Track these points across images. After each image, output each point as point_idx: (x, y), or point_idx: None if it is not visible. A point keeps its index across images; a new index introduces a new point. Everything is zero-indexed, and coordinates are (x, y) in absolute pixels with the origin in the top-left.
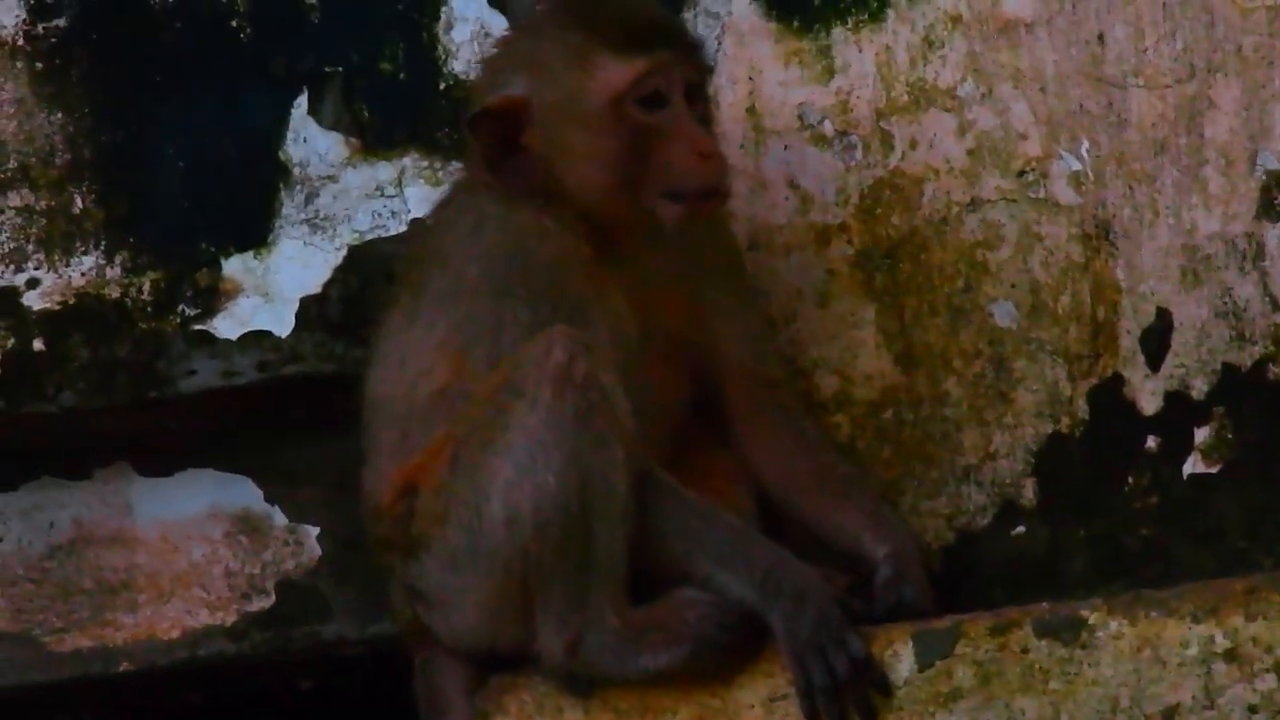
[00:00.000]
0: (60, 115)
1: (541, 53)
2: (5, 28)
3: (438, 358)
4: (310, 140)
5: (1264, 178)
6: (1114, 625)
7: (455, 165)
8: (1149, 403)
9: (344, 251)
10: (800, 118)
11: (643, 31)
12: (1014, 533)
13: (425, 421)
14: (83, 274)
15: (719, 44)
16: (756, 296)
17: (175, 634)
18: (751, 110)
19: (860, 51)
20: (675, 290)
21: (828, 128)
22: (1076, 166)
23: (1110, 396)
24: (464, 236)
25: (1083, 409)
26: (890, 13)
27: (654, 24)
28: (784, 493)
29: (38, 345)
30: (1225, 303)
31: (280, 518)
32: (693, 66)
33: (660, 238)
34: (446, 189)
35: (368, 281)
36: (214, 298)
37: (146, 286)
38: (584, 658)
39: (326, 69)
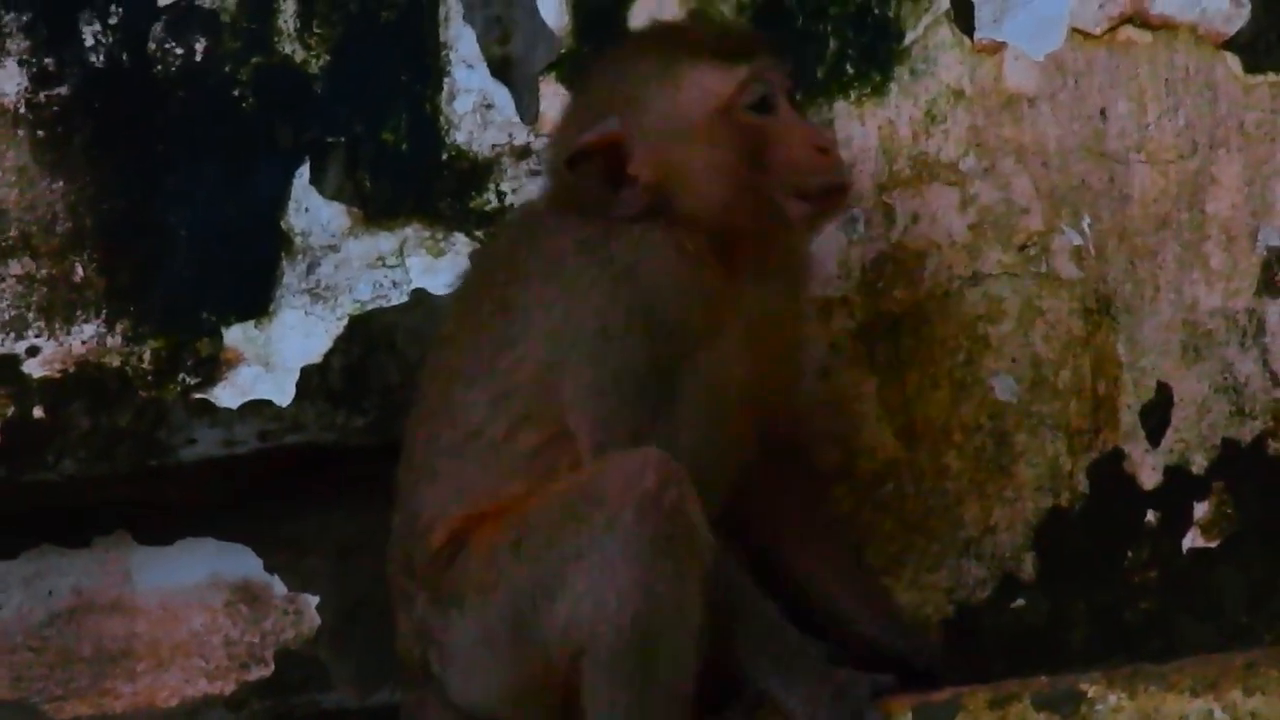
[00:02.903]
0: (62, 183)
1: (629, 83)
2: (7, 95)
3: (543, 403)
4: (312, 210)
5: (1265, 254)
6: (1113, 699)
7: (457, 236)
8: (1149, 477)
9: (345, 321)
10: None
11: (738, 39)
12: (1014, 606)
13: (510, 473)
14: (83, 342)
15: None
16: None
17: (174, 703)
18: None
19: (863, 125)
20: (781, 327)
21: None
22: (1078, 241)
23: (1110, 471)
24: (581, 242)
25: (1083, 483)
26: (893, 86)
27: (746, 32)
28: (799, 567)
29: (38, 413)
30: (1226, 378)
31: (280, 587)
32: (788, 73)
33: (790, 250)
34: (519, 209)
35: (369, 351)
36: (215, 367)
37: (147, 355)
38: None
39: (329, 139)
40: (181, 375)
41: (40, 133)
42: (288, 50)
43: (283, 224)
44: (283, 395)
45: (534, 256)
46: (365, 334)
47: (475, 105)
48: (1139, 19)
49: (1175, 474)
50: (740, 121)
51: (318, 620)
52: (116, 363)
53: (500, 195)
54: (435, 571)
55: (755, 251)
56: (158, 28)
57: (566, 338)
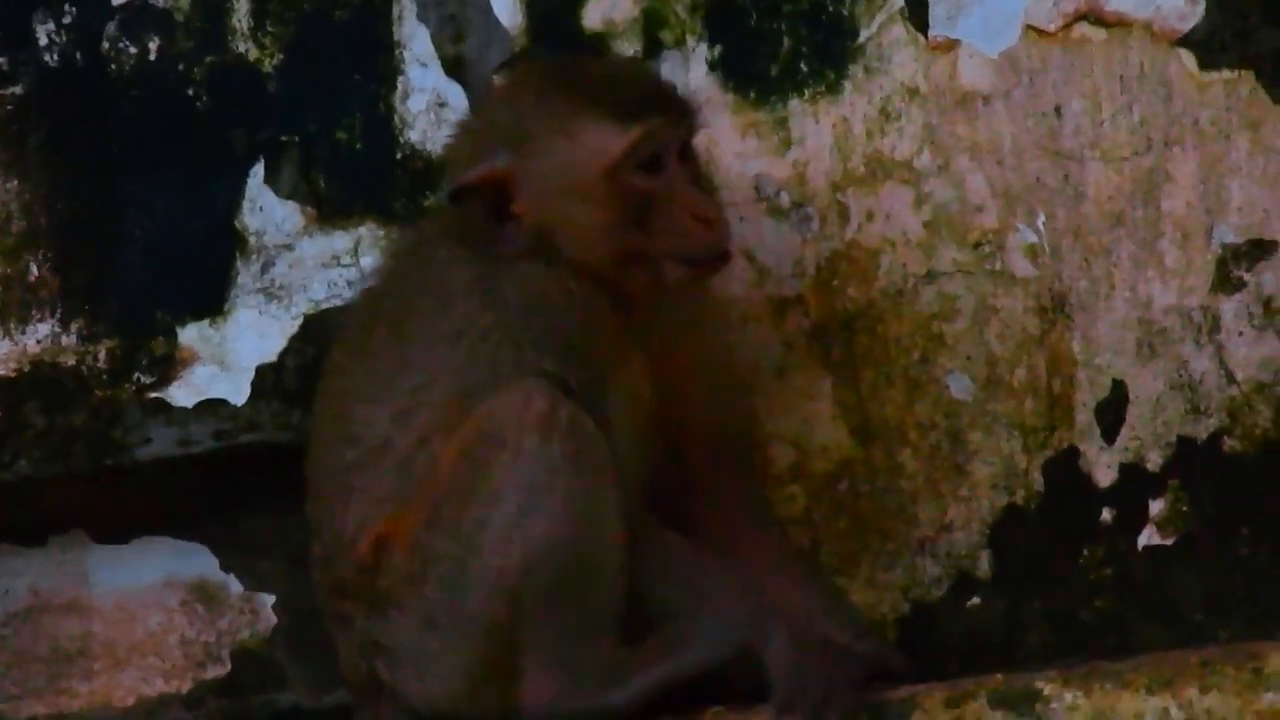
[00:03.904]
0: (16, 183)
1: (525, 122)
2: None
3: (451, 416)
4: (267, 209)
5: (1220, 251)
6: (1069, 697)
7: None
8: (1104, 475)
9: (300, 320)
10: (757, 189)
11: (638, 97)
12: (969, 604)
13: (426, 476)
14: (38, 341)
15: None
16: (732, 360)
17: (131, 702)
18: None
19: (817, 123)
20: (684, 348)
21: (784, 199)
22: (1033, 239)
23: (1065, 469)
24: (471, 281)
25: (1038, 481)
26: (847, 84)
27: (646, 88)
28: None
29: None
30: (1181, 375)
31: (236, 586)
32: (686, 128)
33: (663, 300)
34: (410, 233)
35: (324, 350)
36: (170, 366)
37: (103, 354)
38: (578, 696)
39: (283, 138)
40: (136, 374)
41: None
42: (242, 49)
43: (237, 223)
44: (238, 394)
45: (424, 292)
46: (320, 333)
47: (429, 104)
48: (1093, 16)
49: (1131, 472)
50: (626, 183)
51: (274, 620)
52: (71, 362)
53: None
54: (367, 580)
55: (631, 297)
56: (111, 27)
57: (472, 379)
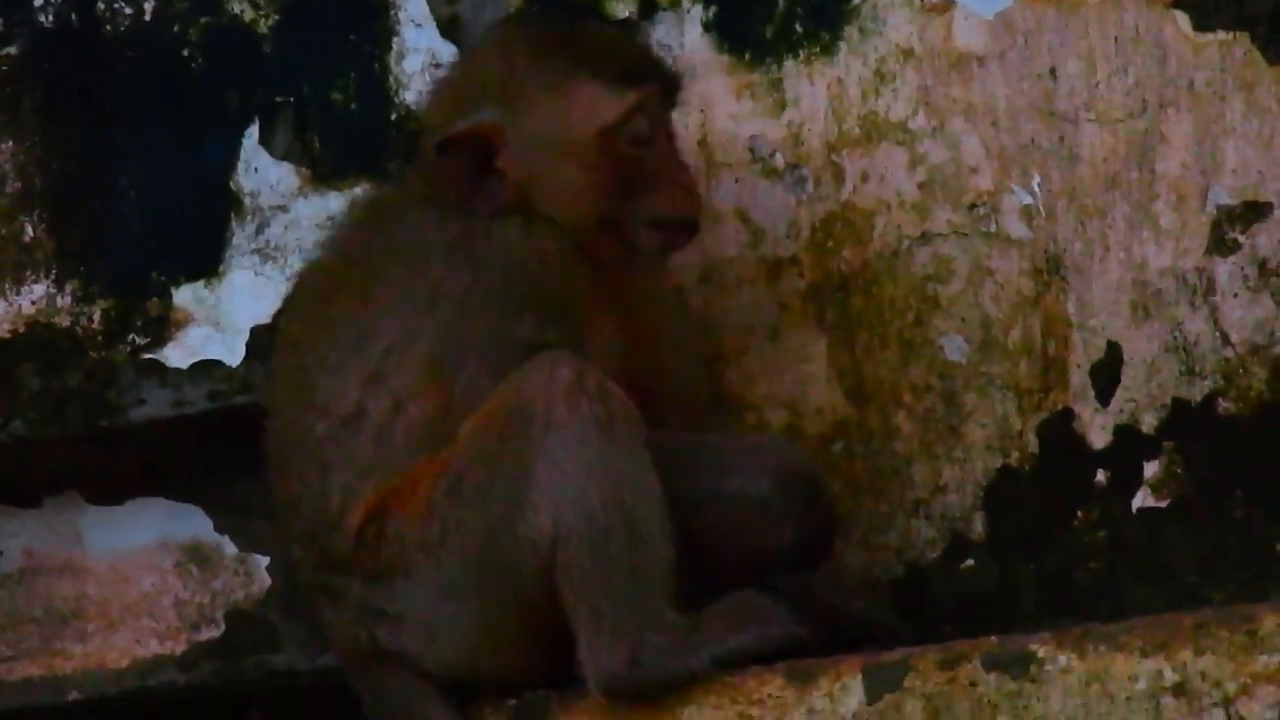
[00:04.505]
0: (11, 143)
1: (518, 79)
2: None
3: (427, 378)
4: (262, 170)
5: (1215, 213)
6: (1063, 659)
7: None
8: (1099, 437)
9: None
10: (751, 151)
11: (634, 64)
12: (963, 566)
13: (411, 445)
14: (33, 302)
15: None
16: (695, 327)
17: (125, 663)
18: (703, 143)
19: (812, 85)
20: (637, 319)
21: (779, 161)
22: (1028, 201)
23: (1060, 431)
24: (445, 243)
25: (1033, 443)
26: (842, 46)
27: (643, 56)
28: None
29: None
30: (1175, 338)
31: (230, 548)
32: (672, 100)
33: (634, 264)
34: (374, 192)
35: None
36: (165, 327)
37: (97, 315)
38: (645, 665)
39: (278, 99)
40: (131, 336)
41: None
42: (236, 10)
43: (232, 184)
44: (232, 355)
45: (392, 257)
46: None
47: (424, 65)
48: None
49: (1125, 434)
50: (617, 148)
51: (268, 581)
52: (66, 323)
53: None
54: (364, 552)
55: (604, 258)
56: None
57: (450, 342)
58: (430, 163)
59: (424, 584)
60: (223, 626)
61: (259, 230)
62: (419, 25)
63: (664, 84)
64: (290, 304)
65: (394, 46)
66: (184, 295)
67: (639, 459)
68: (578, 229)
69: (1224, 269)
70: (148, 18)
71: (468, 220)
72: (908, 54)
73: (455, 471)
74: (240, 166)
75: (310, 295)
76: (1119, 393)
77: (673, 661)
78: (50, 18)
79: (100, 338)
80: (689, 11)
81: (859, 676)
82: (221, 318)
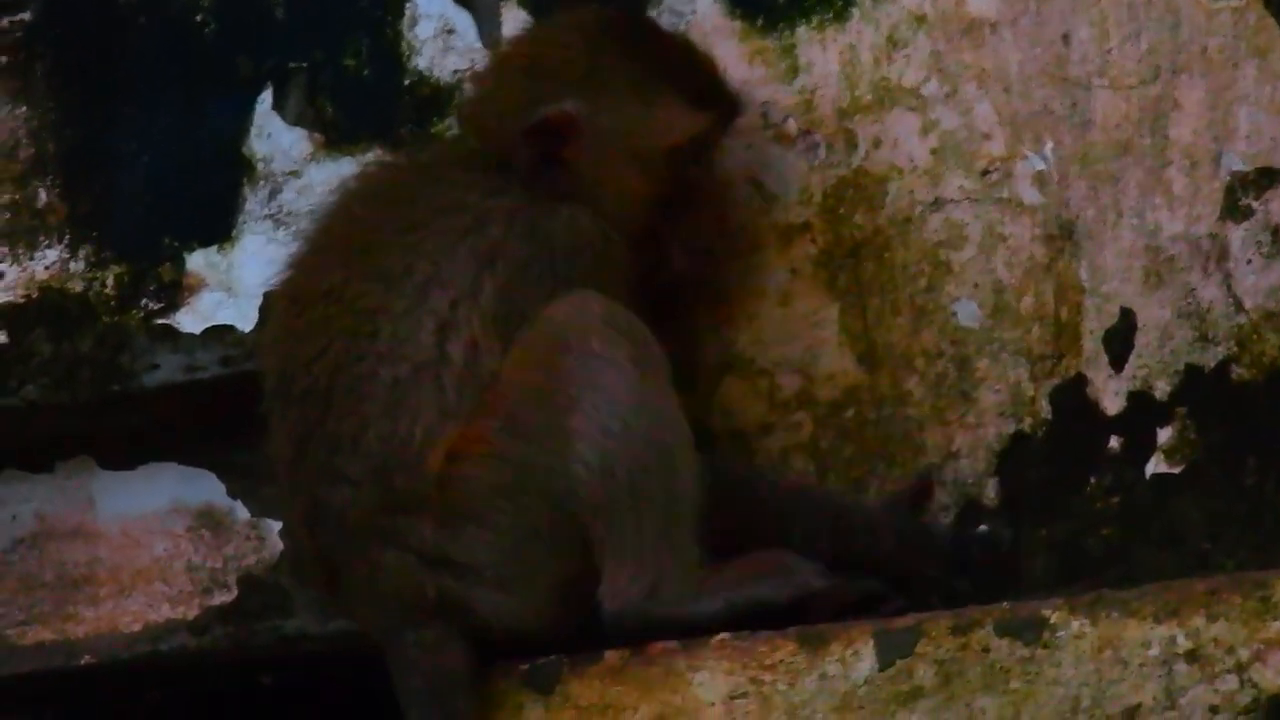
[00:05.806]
0: (25, 109)
1: (602, 74)
2: None
3: (492, 335)
4: (274, 136)
5: (1228, 179)
6: (1075, 625)
7: None
8: (1112, 403)
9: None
10: (764, 116)
11: (710, 86)
12: (976, 532)
13: (483, 390)
14: (46, 268)
15: None
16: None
17: (137, 628)
18: None
19: (824, 50)
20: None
21: (791, 126)
22: (1040, 167)
23: (1073, 397)
24: (506, 209)
25: (1045, 409)
26: (854, 11)
27: (719, 79)
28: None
29: (1, 339)
30: (1189, 304)
31: (243, 512)
32: (728, 126)
33: (659, 278)
34: (405, 160)
35: None
36: (177, 292)
37: (110, 281)
38: (663, 597)
39: (291, 65)
40: (144, 301)
41: (3, 59)
42: None
43: (244, 150)
44: (245, 321)
45: (444, 211)
46: None
47: (437, 31)
48: None
49: (1138, 400)
50: (680, 166)
51: (280, 546)
52: (79, 288)
53: None
54: (443, 494)
55: (643, 259)
56: None
57: (512, 302)
58: (504, 134)
59: (496, 532)
60: (235, 591)
61: (271, 196)
62: None
63: (731, 111)
64: (307, 258)
65: (406, 12)
66: (196, 261)
67: (668, 395)
68: (624, 233)
69: (1237, 235)
70: None
71: (526, 195)
72: (920, 19)
73: (506, 407)
74: (253, 132)
75: (339, 249)
76: (1132, 359)
77: (690, 600)
78: None
79: (113, 303)
80: None
81: (870, 642)
82: (234, 283)
